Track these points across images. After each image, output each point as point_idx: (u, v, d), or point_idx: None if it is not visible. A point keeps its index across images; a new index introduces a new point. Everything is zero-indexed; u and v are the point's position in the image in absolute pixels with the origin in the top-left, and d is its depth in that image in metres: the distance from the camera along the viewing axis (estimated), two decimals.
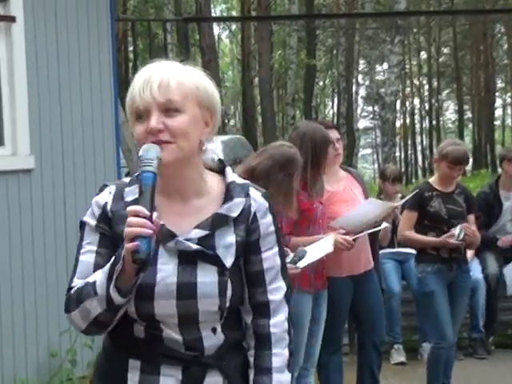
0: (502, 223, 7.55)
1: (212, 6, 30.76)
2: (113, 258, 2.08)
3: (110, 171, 6.47)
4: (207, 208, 2.22)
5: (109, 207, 2.22)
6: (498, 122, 48.11)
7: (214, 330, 2.21)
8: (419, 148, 49.33)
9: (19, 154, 5.97)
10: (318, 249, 4.58)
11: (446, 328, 5.52)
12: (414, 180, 41.64)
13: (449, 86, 48.31)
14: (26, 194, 5.98)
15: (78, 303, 2.14)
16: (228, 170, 2.30)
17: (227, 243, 2.20)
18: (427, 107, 47.07)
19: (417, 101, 48.46)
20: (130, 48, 33.32)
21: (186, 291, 2.15)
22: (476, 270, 7.26)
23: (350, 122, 30.37)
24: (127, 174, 7.98)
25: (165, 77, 2.14)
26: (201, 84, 2.20)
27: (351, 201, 5.18)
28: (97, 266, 2.16)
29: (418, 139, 49.78)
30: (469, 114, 47.75)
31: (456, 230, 5.44)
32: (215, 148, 8.42)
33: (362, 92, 47.41)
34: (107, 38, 6.54)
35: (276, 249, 2.28)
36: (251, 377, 2.25)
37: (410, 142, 48.55)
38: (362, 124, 47.40)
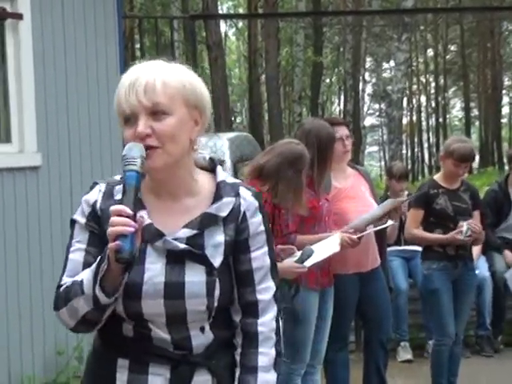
0: (511, 221, 7.56)
1: (219, 3, 30.73)
2: (99, 257, 2.09)
3: (117, 168, 6.47)
4: (197, 207, 2.22)
5: (98, 205, 2.22)
6: (504, 120, 47.98)
7: (202, 329, 2.20)
8: (426, 145, 49.27)
9: (26, 151, 5.98)
10: (324, 248, 4.58)
11: (448, 325, 5.53)
12: (420, 177, 41.61)
13: (456, 83, 48.19)
14: (32, 190, 6.00)
15: (66, 301, 2.16)
16: (219, 168, 2.29)
17: (216, 243, 2.20)
18: (434, 105, 47.00)
19: (423, 98, 48.39)
20: (137, 45, 33.33)
21: (174, 291, 2.15)
22: (483, 268, 7.26)
23: (356, 119, 30.33)
24: None
25: (150, 79, 2.12)
26: (187, 83, 2.17)
27: (358, 198, 5.18)
28: (86, 265, 2.17)
29: (425, 137, 49.71)
30: (476, 112, 47.64)
31: (463, 227, 5.44)
32: (221, 145, 8.42)
33: (369, 89, 47.35)
34: (114, 36, 6.53)
35: (265, 248, 2.27)
36: (237, 374, 2.24)
37: (416, 140, 48.50)
38: (369, 121, 47.35)
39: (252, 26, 27.07)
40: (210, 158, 2.33)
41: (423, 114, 49.30)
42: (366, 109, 44.73)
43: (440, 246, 5.57)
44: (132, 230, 1.99)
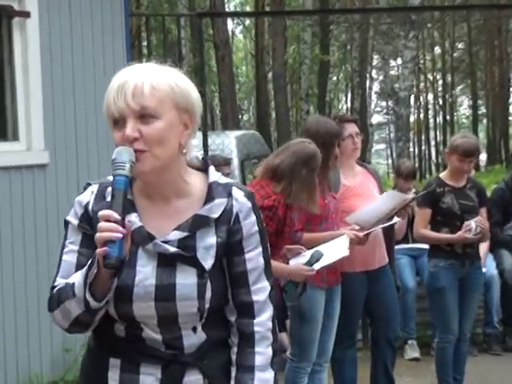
0: None
1: (226, 1, 30.74)
2: (89, 261, 2.09)
3: None
4: (189, 209, 2.20)
5: (90, 207, 2.23)
6: None
7: (194, 329, 2.20)
8: (433, 143, 49.18)
9: (34, 149, 5.99)
10: (333, 250, 4.56)
11: (452, 322, 5.52)
12: (427, 175, 41.53)
13: (463, 81, 48.10)
14: (40, 188, 6.00)
15: (59, 303, 2.17)
16: (211, 169, 2.27)
17: (207, 245, 2.19)
18: (441, 102, 46.89)
19: (431, 96, 48.28)
20: (144, 43, 33.33)
21: (165, 293, 2.15)
22: (490, 266, 7.24)
23: (363, 117, 30.27)
24: None
25: (139, 82, 2.11)
26: (176, 86, 2.15)
27: (366, 196, 5.17)
28: (79, 266, 2.18)
29: (432, 134, 49.62)
30: (483, 110, 47.55)
31: (472, 225, 5.41)
32: (229, 143, 8.43)
33: (376, 87, 47.28)
34: (121, 33, 6.53)
35: (260, 249, 2.26)
36: (233, 374, 2.24)
37: (423, 138, 48.42)
38: (376, 119, 47.25)
39: (259, 24, 27.06)
40: (203, 158, 2.32)
41: (430, 112, 49.22)
42: (373, 106, 44.67)
43: (448, 245, 5.55)
44: (120, 235, 1.99)
